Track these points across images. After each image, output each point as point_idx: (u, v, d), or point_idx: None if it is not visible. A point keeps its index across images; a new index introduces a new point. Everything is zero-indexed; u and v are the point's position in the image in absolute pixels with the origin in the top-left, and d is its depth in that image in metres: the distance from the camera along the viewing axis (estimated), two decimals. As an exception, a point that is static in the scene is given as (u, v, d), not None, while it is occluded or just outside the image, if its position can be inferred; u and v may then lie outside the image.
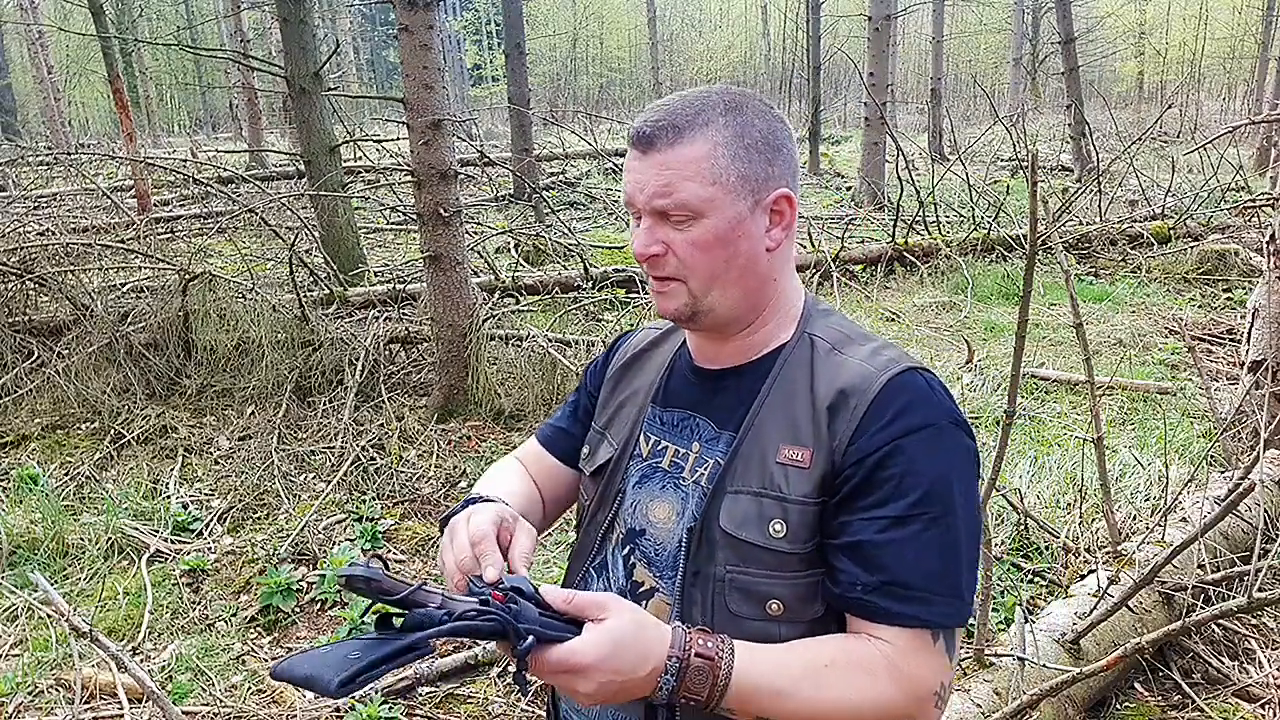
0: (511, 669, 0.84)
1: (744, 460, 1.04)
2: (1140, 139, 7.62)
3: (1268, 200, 4.04)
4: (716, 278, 1.03)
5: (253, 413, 4.92)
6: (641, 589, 1.10)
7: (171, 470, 4.38)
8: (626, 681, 0.88)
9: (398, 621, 0.83)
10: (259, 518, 3.99)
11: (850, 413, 0.99)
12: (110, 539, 3.66)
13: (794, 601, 1.00)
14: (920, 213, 8.84)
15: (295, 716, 2.72)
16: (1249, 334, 4.02)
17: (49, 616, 3.14)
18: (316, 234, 7.25)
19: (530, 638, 0.85)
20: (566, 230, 7.98)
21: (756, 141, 1.02)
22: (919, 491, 0.95)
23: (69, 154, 11.38)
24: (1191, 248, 8.07)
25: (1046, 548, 3.30)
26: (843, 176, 15.21)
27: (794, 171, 1.08)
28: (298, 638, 3.16)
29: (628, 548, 1.13)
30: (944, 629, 0.96)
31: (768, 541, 1.00)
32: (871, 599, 0.95)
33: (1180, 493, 3.07)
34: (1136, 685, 2.62)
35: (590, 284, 6.68)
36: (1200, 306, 6.99)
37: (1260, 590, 2.19)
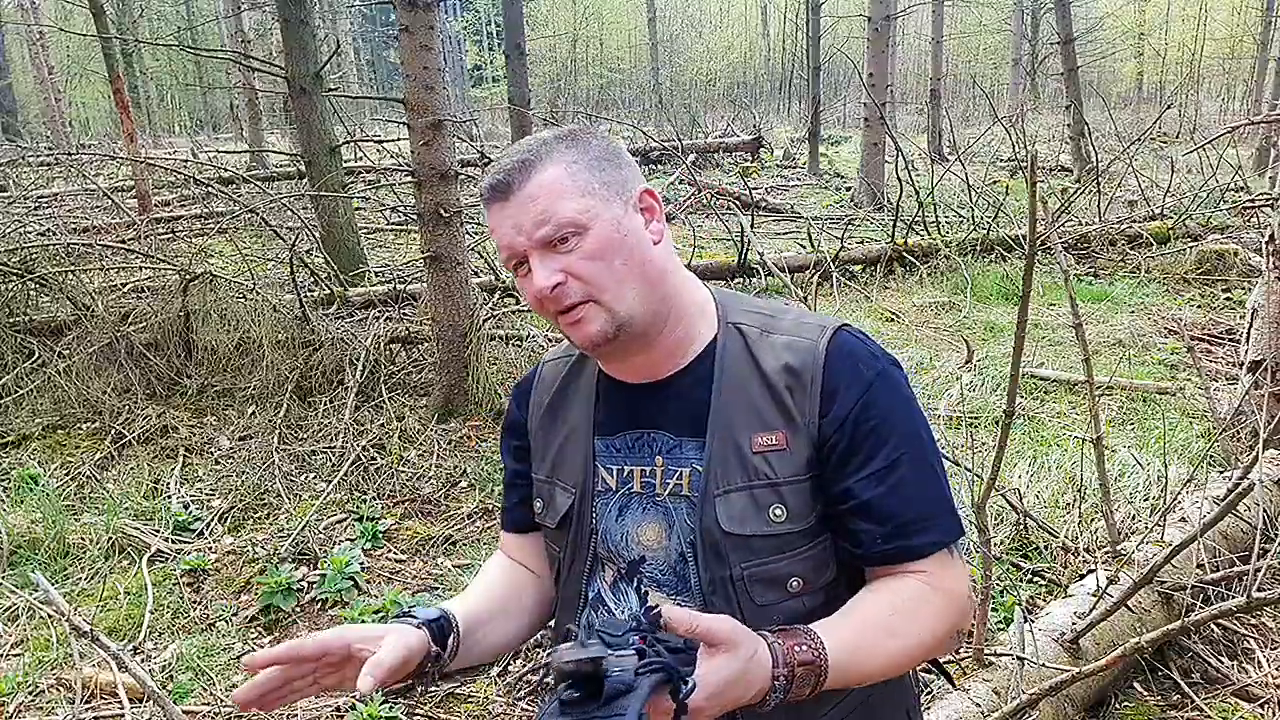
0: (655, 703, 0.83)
1: (720, 460, 1.06)
2: (1139, 139, 7.64)
3: (1267, 200, 4.05)
4: (621, 282, 1.03)
5: (253, 413, 4.92)
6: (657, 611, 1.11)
7: (172, 470, 4.38)
8: (732, 705, 0.90)
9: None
10: (259, 518, 4.00)
11: (810, 387, 1.05)
12: (111, 539, 3.67)
13: (810, 573, 1.07)
14: (920, 213, 8.84)
15: (296, 716, 2.72)
16: (1248, 334, 4.02)
17: (49, 616, 3.15)
18: (317, 234, 7.25)
19: (692, 681, 0.84)
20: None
21: (599, 155, 1.06)
22: (894, 436, 1.05)
23: (70, 154, 11.38)
24: (1191, 248, 8.07)
25: (1046, 547, 3.30)
26: (842, 177, 15.20)
27: (640, 174, 1.11)
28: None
29: (635, 579, 1.13)
30: (954, 541, 1.07)
31: (772, 528, 1.04)
32: (894, 545, 1.04)
33: (1179, 493, 3.07)
34: (1136, 685, 2.62)
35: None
36: (1199, 306, 6.99)
37: (1259, 590, 2.19)
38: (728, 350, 1.10)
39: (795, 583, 1.06)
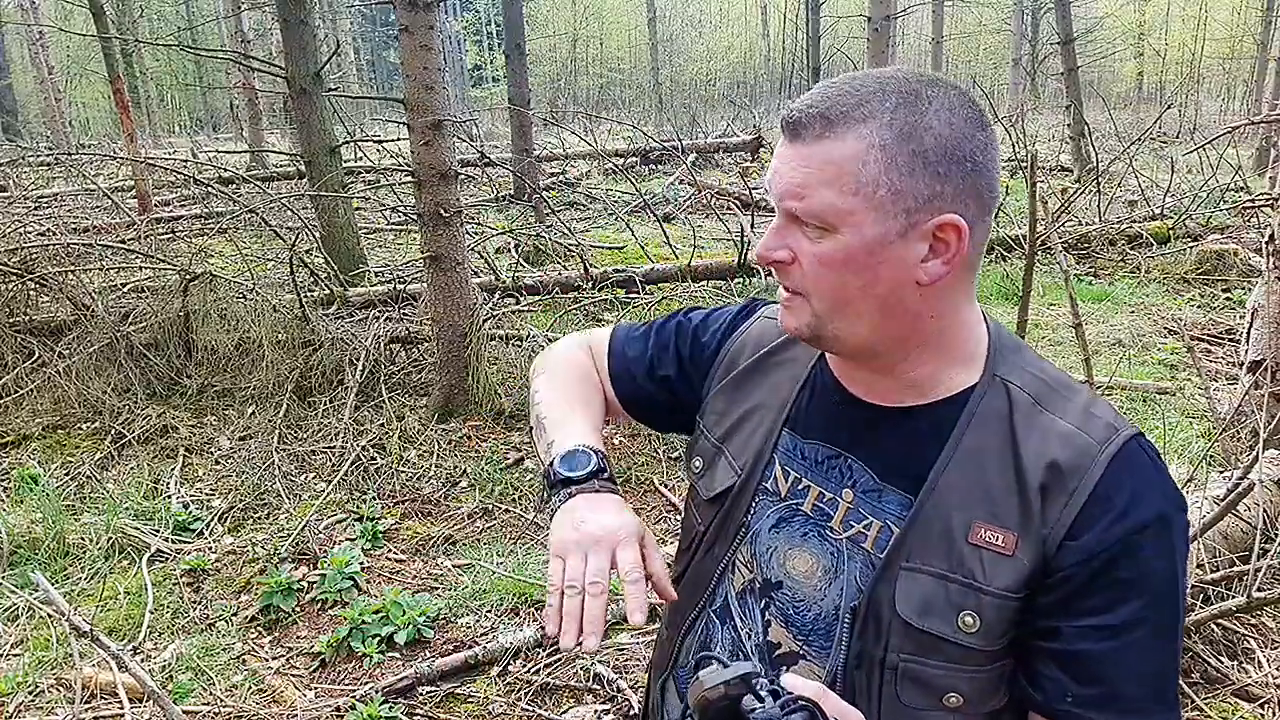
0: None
1: (924, 531, 0.87)
2: (1140, 139, 7.63)
3: (1267, 200, 4.05)
4: (845, 304, 0.86)
5: (253, 413, 4.92)
6: (779, 650, 0.97)
7: (172, 470, 4.38)
8: None
9: None
10: (259, 517, 4.00)
11: (1069, 496, 0.83)
12: (111, 539, 3.67)
13: (975, 695, 0.88)
14: (920, 213, 8.83)
15: (296, 716, 2.72)
16: (1248, 334, 4.02)
17: (49, 616, 3.15)
18: (317, 234, 7.25)
19: None
20: (566, 230, 7.98)
21: (929, 149, 0.82)
22: (1148, 596, 0.82)
23: (70, 154, 11.38)
24: (1191, 248, 8.07)
25: (1046, 547, 3.30)
26: (843, 177, 15.18)
27: (979, 193, 0.85)
28: (298, 637, 3.17)
29: (764, 600, 0.98)
30: None
31: (956, 635, 0.86)
32: (1082, 711, 0.83)
33: (1179, 493, 3.06)
34: (1136, 685, 2.62)
35: (590, 284, 6.68)
36: (1199, 306, 6.99)
37: (1259, 590, 2.19)
38: (984, 409, 0.88)
39: (954, 699, 0.88)
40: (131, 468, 4.41)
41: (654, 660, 1.18)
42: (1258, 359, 3.89)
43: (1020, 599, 0.85)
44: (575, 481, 0.99)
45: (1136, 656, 0.82)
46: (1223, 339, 6.03)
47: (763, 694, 0.75)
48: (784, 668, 0.94)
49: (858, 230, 0.83)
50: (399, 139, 7.81)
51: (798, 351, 1.03)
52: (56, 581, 3.45)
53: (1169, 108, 14.40)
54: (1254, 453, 2.71)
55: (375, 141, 11.26)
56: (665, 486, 4.16)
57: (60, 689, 2.83)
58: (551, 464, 1.02)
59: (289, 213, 7.69)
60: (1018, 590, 0.84)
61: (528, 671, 2.88)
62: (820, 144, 0.83)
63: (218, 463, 4.51)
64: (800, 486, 0.97)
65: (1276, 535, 3.04)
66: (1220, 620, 2.74)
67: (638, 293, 6.70)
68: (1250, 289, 5.49)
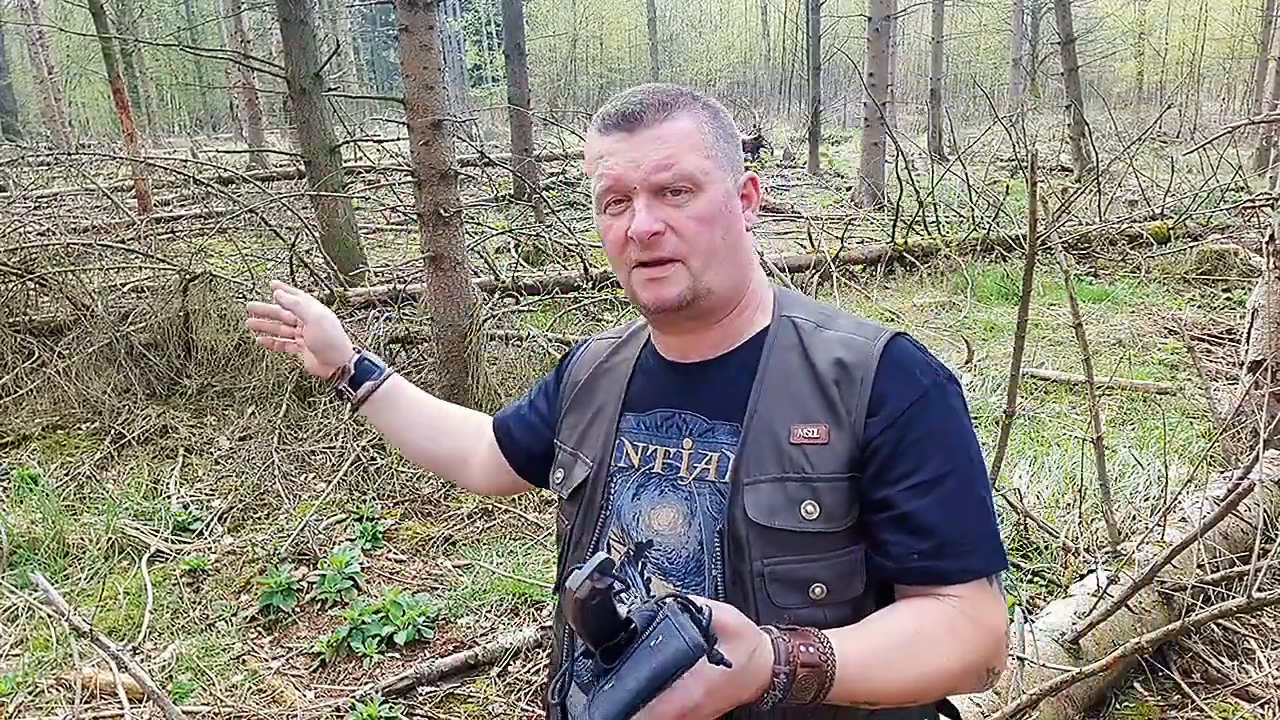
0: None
1: (755, 448, 1.01)
2: (1140, 139, 7.63)
3: (1267, 200, 4.05)
4: (715, 254, 1.02)
5: (253, 413, 4.92)
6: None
7: (172, 470, 4.38)
8: (730, 703, 0.85)
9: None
10: (259, 518, 3.99)
11: (859, 384, 1.01)
12: (110, 539, 3.67)
13: (835, 582, 1.00)
14: (920, 213, 8.84)
15: (295, 716, 2.72)
16: (1248, 334, 4.02)
17: (49, 616, 3.15)
18: (317, 234, 7.25)
19: (708, 609, 0.81)
20: (566, 230, 7.98)
21: (727, 124, 1.07)
22: (944, 451, 0.99)
23: (69, 154, 11.36)
24: (1191, 248, 8.07)
25: (1046, 548, 3.30)
26: (842, 176, 15.20)
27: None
28: (298, 637, 3.17)
29: (640, 563, 1.08)
30: (995, 573, 1.00)
31: (802, 525, 0.99)
32: (931, 564, 0.97)
33: (1180, 493, 3.07)
34: (1136, 685, 2.62)
35: (590, 284, 6.68)
36: (1200, 306, 6.99)
37: (1259, 590, 2.19)
38: (779, 340, 1.07)
39: (818, 589, 0.99)
40: (131, 468, 4.40)
41: (551, 665, 1.29)
42: (1258, 359, 3.89)
43: (848, 479, 1.00)
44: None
45: (955, 504, 0.98)
46: (1223, 339, 6.02)
47: (629, 584, 0.80)
48: None
49: (717, 186, 1.02)
50: (399, 139, 7.81)
51: (626, 352, 1.19)
52: (56, 582, 3.45)
53: (1169, 108, 14.40)
54: (1254, 453, 2.71)
55: (375, 141, 11.26)
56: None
57: (60, 689, 2.83)
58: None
59: (289, 213, 7.69)
60: (843, 471, 0.99)
61: (528, 671, 2.88)
62: (665, 124, 1.00)
63: (217, 463, 4.51)
64: (649, 453, 1.10)
65: (1276, 535, 3.04)
66: (1220, 620, 2.74)
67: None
68: (1250, 289, 5.49)
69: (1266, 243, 3.89)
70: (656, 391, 1.12)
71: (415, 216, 4.86)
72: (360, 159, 12.14)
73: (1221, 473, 3.61)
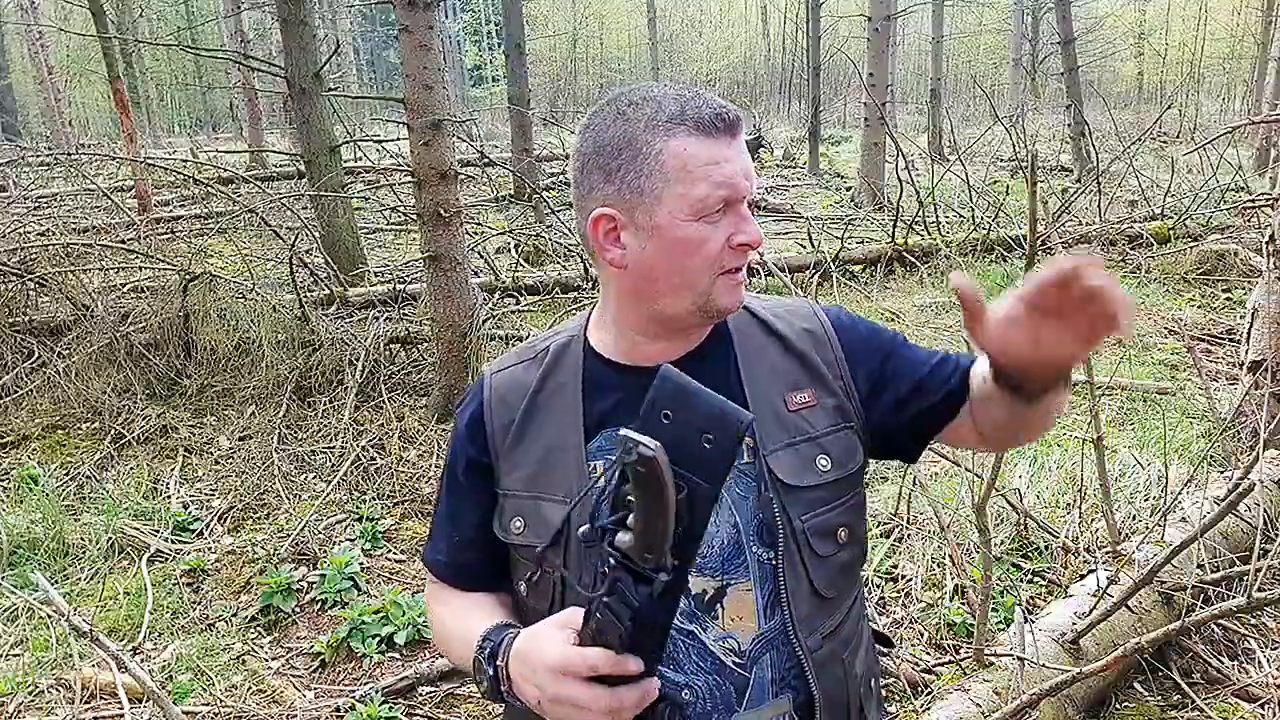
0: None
1: (762, 422, 1.07)
2: (1140, 139, 7.64)
3: (1267, 200, 4.05)
4: None
5: (253, 413, 4.92)
6: (708, 596, 1.04)
7: (172, 470, 4.38)
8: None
9: None
10: (259, 518, 3.99)
11: (826, 340, 1.14)
12: (110, 539, 3.67)
13: (853, 521, 1.11)
14: (920, 213, 8.83)
15: (295, 716, 2.72)
16: (1249, 334, 4.02)
17: (49, 616, 3.14)
18: (317, 234, 7.25)
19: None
20: (566, 230, 7.98)
21: None
22: (883, 334, 1.18)
23: (69, 154, 11.36)
24: (1191, 248, 8.06)
25: (1046, 548, 3.30)
26: (843, 177, 15.19)
27: None
28: (298, 637, 3.17)
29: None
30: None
31: (822, 478, 1.07)
32: (955, 379, 1.12)
33: (1180, 493, 3.07)
34: (1136, 685, 2.62)
35: (590, 284, 6.68)
36: (1200, 306, 6.99)
37: (1260, 590, 2.19)
38: (739, 327, 1.13)
39: (843, 532, 1.09)
40: (131, 468, 4.40)
41: None
42: (1258, 359, 3.89)
43: (844, 429, 1.10)
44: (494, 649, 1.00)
45: (911, 352, 1.16)
46: (1223, 339, 6.02)
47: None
48: (716, 606, 1.05)
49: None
50: (399, 139, 7.81)
51: (561, 376, 1.11)
52: (56, 582, 3.45)
53: (1169, 108, 14.40)
54: (1254, 453, 2.71)
55: (375, 141, 11.26)
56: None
57: (60, 689, 2.83)
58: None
59: (289, 213, 7.69)
60: (839, 423, 1.10)
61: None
62: (740, 138, 1.04)
63: (217, 463, 4.51)
64: None
65: (1276, 535, 3.04)
66: (1220, 620, 2.74)
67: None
68: (1250, 289, 5.49)
69: (1266, 243, 3.89)
70: (631, 400, 1.01)
71: (415, 216, 4.86)
72: (360, 159, 12.14)
73: (1221, 473, 3.61)
